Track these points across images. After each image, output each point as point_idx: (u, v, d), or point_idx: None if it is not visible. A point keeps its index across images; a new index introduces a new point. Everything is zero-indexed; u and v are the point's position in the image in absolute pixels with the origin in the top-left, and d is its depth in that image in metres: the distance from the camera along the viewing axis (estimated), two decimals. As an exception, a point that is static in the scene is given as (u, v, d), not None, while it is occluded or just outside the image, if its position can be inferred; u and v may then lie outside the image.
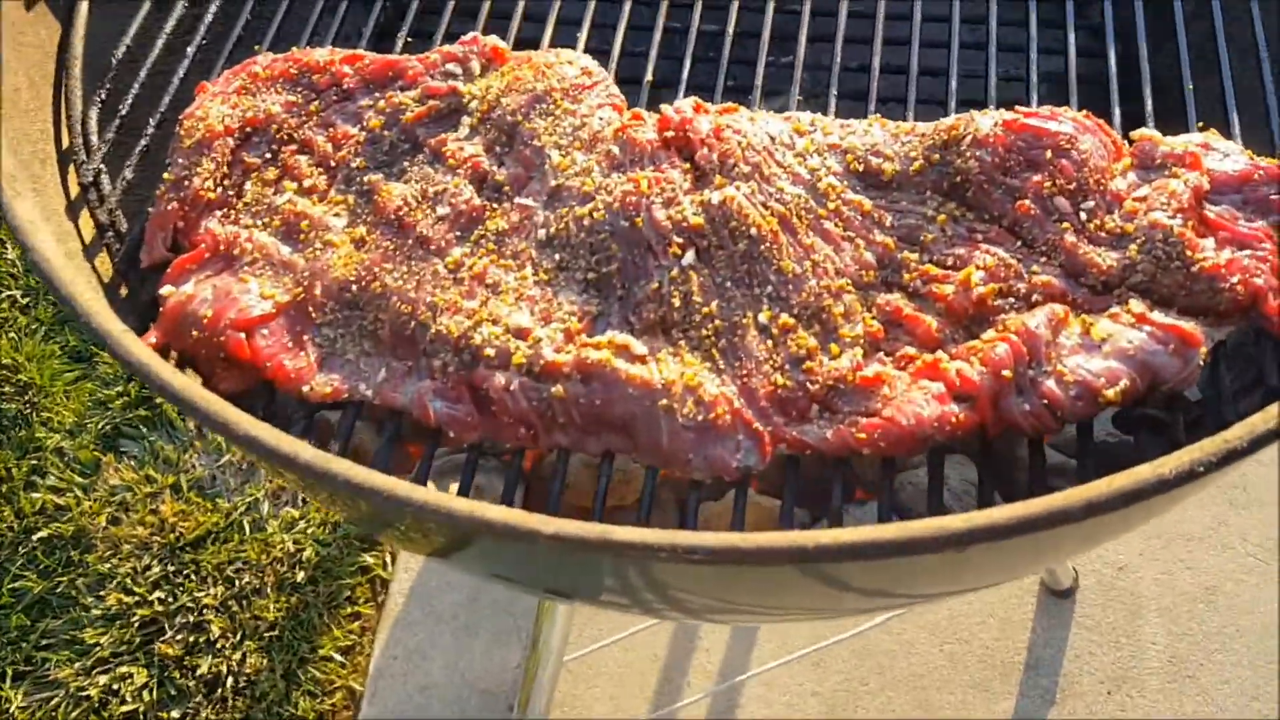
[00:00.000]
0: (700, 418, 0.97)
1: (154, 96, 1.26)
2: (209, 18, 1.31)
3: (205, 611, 2.40)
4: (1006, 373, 0.94)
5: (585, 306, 1.05)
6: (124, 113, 1.24)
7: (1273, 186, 1.03)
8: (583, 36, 1.30)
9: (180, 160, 1.14)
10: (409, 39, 1.31)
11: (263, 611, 2.41)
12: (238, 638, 2.37)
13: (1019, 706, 2.25)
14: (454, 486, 1.14)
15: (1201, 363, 0.95)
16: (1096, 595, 2.36)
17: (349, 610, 2.45)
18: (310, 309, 1.07)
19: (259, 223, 1.13)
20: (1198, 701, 2.23)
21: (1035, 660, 2.31)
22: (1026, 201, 1.03)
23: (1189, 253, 0.98)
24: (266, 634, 2.39)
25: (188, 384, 0.88)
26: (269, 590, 2.44)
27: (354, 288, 1.07)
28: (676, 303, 1.03)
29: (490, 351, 1.02)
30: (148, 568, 2.46)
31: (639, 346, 1.02)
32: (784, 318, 1.02)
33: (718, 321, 1.02)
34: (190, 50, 1.29)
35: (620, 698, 2.28)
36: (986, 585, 1.33)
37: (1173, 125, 1.17)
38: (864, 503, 1.20)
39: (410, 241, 1.09)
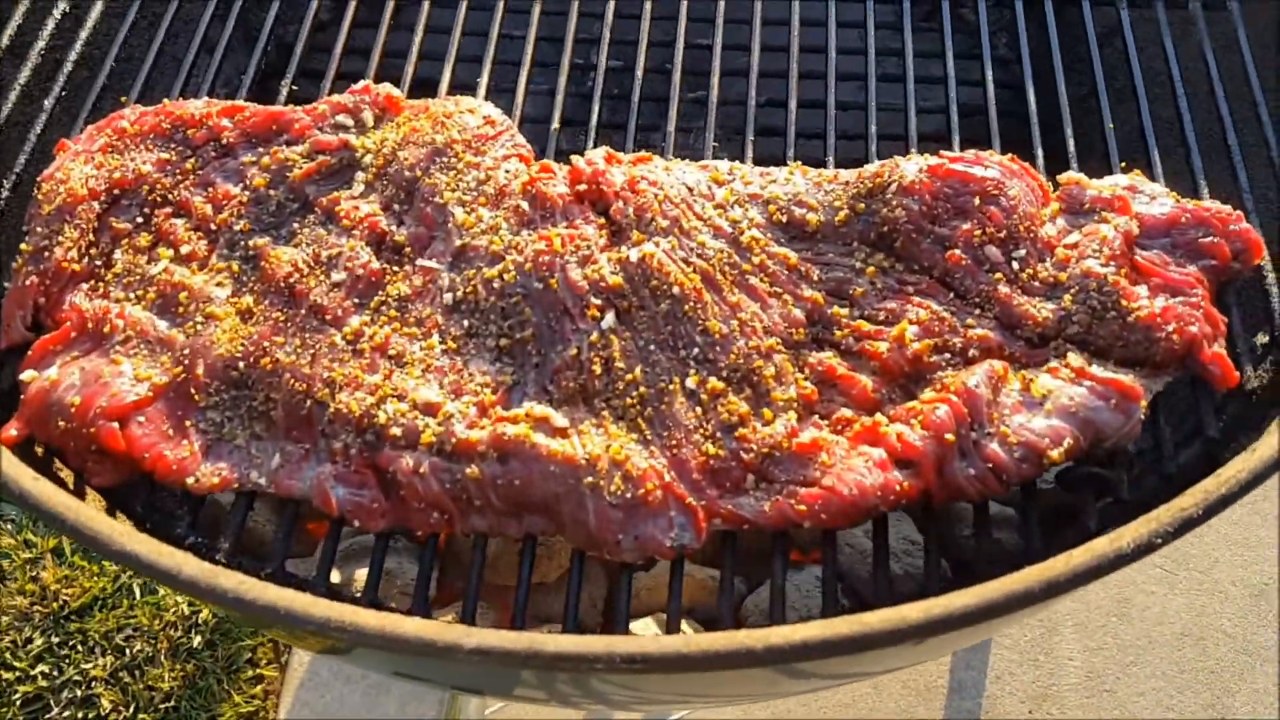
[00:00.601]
0: (629, 494, 0.91)
1: (8, 155, 1.14)
2: (69, 65, 1.19)
3: (94, 684, 2.26)
4: (949, 436, 0.90)
5: (499, 376, 0.97)
6: (-26, 174, 1.11)
7: (1200, 229, 1.01)
8: (484, 81, 1.22)
9: (39, 228, 1.03)
10: (294, 86, 1.21)
11: (157, 681, 2.27)
12: (131, 710, 2.23)
13: (944, 731, 2.25)
14: (360, 572, 1.06)
15: (1142, 416, 0.92)
16: (1015, 613, 2.40)
17: (250, 674, 2.32)
18: (192, 391, 0.97)
19: (131, 295, 1.02)
20: (1115, 713, 2.26)
21: (958, 683, 2.31)
22: (957, 251, 0.99)
23: (1124, 302, 0.95)
24: (162, 705, 2.25)
25: (50, 493, 0.78)
26: (163, 658, 2.30)
27: (241, 365, 0.97)
28: (597, 369, 0.96)
29: (396, 430, 0.94)
30: (29, 640, 2.30)
31: (559, 419, 0.94)
32: (713, 382, 0.96)
33: (643, 388, 0.95)
34: (49, 102, 1.17)
35: (543, 751, 2.21)
36: (937, 658, 1.30)
37: (1091, 158, 1.15)
38: (800, 566, 1.14)
39: (303, 311, 0.99)
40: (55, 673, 2.27)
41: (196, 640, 2.33)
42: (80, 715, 2.23)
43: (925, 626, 0.70)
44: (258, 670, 2.37)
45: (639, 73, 1.24)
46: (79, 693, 2.25)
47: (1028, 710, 2.29)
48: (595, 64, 1.26)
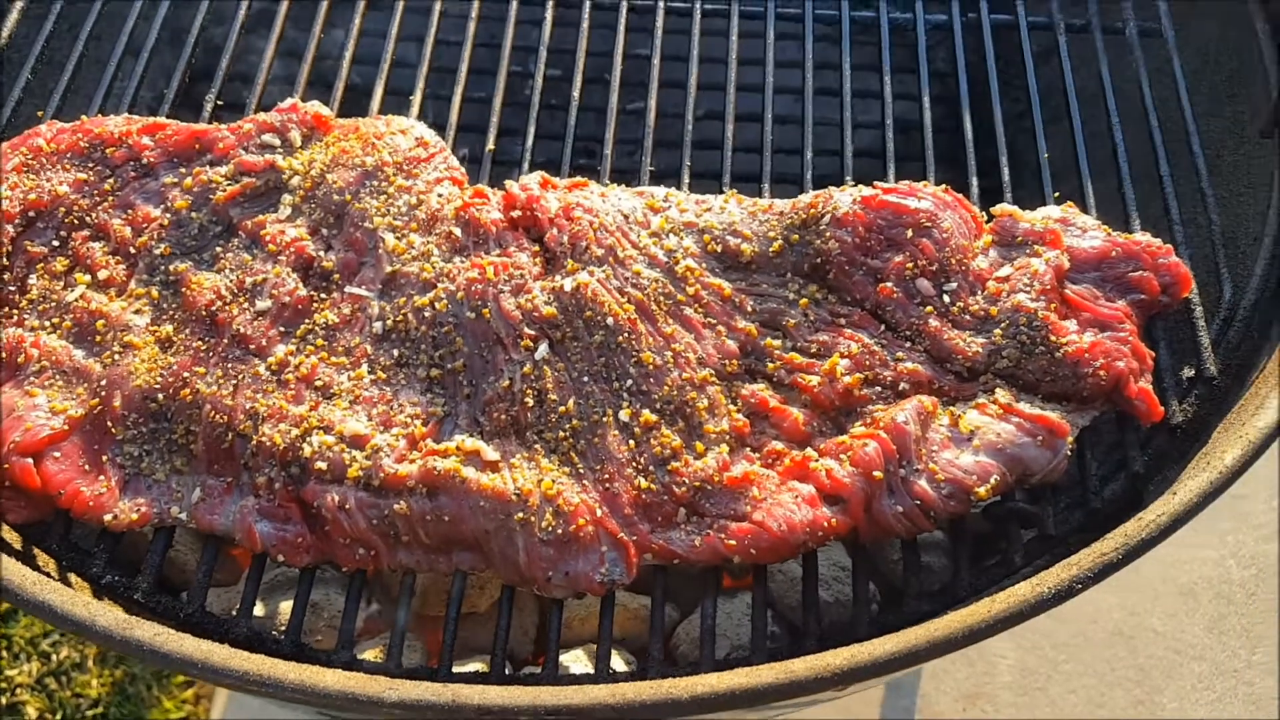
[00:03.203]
0: (560, 530, 0.90)
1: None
2: (-17, 74, 1.16)
3: (19, 691, 2.23)
4: (877, 473, 0.90)
5: (429, 408, 0.96)
6: (-121, 191, 1.06)
7: (1130, 263, 1.02)
8: (419, 88, 1.20)
9: (-51, 253, 0.99)
10: (219, 100, 1.17)
11: (84, 688, 2.25)
12: (58, 718, 2.20)
13: (881, 729, 2.29)
14: (286, 604, 1.04)
15: (1069, 452, 0.93)
16: (950, 613, 2.44)
17: (181, 679, 2.27)
18: (109, 423, 0.94)
19: (47, 323, 0.99)
20: (1047, 711, 2.30)
21: (895, 683, 2.33)
22: (889, 284, 0.99)
23: (1053, 337, 0.96)
24: (89, 711, 2.23)
25: (-45, 541, 0.75)
26: (91, 664, 2.27)
27: (160, 396, 0.95)
28: (530, 401, 0.95)
29: (322, 464, 0.92)
30: (-50, 647, 2.25)
31: (490, 452, 0.93)
32: (646, 414, 0.95)
33: (575, 421, 0.95)
34: (-40, 115, 1.13)
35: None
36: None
37: (1026, 179, 1.17)
38: (733, 593, 1.14)
39: (225, 340, 0.97)
40: (-22, 680, 2.21)
41: (126, 645, 2.33)
42: (5, 723, 2.20)
43: (849, 673, 0.71)
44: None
45: (576, 91, 1.22)
46: (3, 700, 2.21)
47: (962, 709, 2.32)
48: (533, 72, 1.24)
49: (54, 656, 2.28)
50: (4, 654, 2.28)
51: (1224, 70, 1.37)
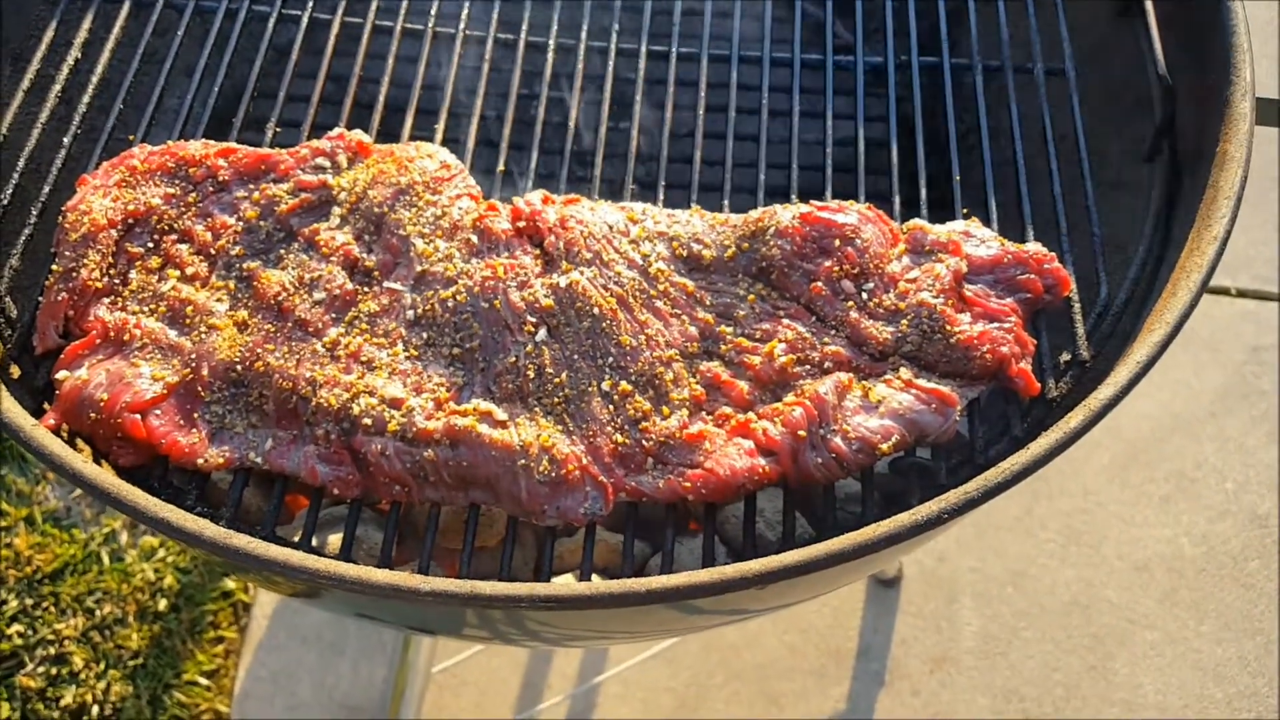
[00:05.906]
0: (553, 474, 1.14)
1: (34, 185, 1.33)
2: (83, 107, 1.38)
3: (66, 643, 2.42)
4: (802, 432, 1.14)
5: (452, 378, 1.20)
6: (5, 203, 1.30)
7: (1019, 268, 1.26)
8: (444, 109, 1.42)
9: (67, 253, 1.22)
10: (278, 126, 1.41)
11: (125, 640, 2.44)
12: (101, 667, 2.40)
13: (853, 689, 2.48)
14: (332, 537, 1.28)
15: (958, 419, 1.17)
16: (918, 584, 2.61)
17: (212, 635, 2.49)
18: (199, 388, 1.18)
19: (145, 309, 1.23)
20: (1007, 674, 2.50)
21: (866, 646, 2.53)
22: (819, 283, 1.23)
23: (948, 327, 1.20)
24: (130, 662, 2.42)
25: (98, 473, 0.99)
26: (131, 619, 2.47)
27: (239, 367, 1.19)
28: (531, 374, 1.19)
29: (368, 420, 1.16)
30: (4, 602, 2.46)
31: (500, 413, 1.17)
32: (623, 385, 1.19)
33: (567, 390, 1.18)
34: (66, 140, 1.35)
35: (485, 704, 2.42)
36: (807, 599, 1.53)
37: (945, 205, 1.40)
38: (696, 533, 1.39)
39: (290, 324, 1.21)
40: (29, 632, 2.43)
41: (162, 604, 2.49)
42: (53, 671, 2.38)
43: (765, 575, 0.95)
44: (219, 632, 2.50)
45: (571, 122, 1.45)
46: (52, 651, 2.41)
47: (928, 670, 2.50)
48: (538, 93, 1.47)
49: (97, 612, 2.47)
50: (52, 609, 2.46)
51: (1126, 101, 1.60)
